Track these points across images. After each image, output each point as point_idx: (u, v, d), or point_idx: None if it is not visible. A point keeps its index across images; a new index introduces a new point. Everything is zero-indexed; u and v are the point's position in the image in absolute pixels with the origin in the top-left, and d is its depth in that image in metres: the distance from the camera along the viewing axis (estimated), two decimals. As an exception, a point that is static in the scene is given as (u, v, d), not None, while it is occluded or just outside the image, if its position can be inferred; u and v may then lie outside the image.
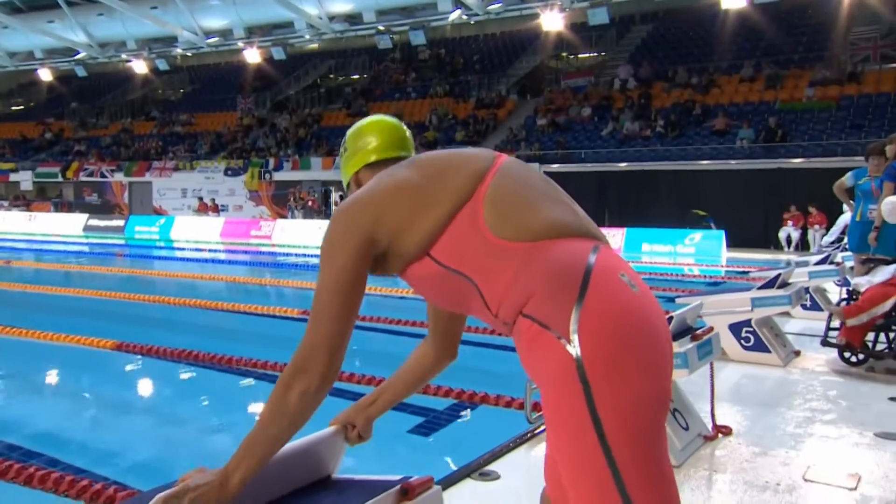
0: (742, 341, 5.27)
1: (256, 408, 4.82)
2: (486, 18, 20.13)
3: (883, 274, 5.18)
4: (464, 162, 1.55)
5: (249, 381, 5.33)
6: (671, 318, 3.40)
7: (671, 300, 9.56)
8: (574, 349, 1.27)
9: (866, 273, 5.48)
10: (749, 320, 5.24)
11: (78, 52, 25.93)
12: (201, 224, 23.80)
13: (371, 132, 1.79)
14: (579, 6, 18.57)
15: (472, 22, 20.89)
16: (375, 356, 5.99)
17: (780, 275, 5.32)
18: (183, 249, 19.15)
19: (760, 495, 2.97)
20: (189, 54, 26.45)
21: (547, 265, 1.38)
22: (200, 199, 26.45)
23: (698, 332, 3.55)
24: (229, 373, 5.47)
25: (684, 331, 3.54)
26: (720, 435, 3.66)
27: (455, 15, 19.83)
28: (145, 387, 5.73)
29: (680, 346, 3.32)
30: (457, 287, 1.49)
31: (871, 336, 5.07)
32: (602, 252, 1.41)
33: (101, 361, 6.03)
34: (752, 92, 21.81)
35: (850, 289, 5.83)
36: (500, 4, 19.32)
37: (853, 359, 5.08)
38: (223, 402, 5.06)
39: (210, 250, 18.70)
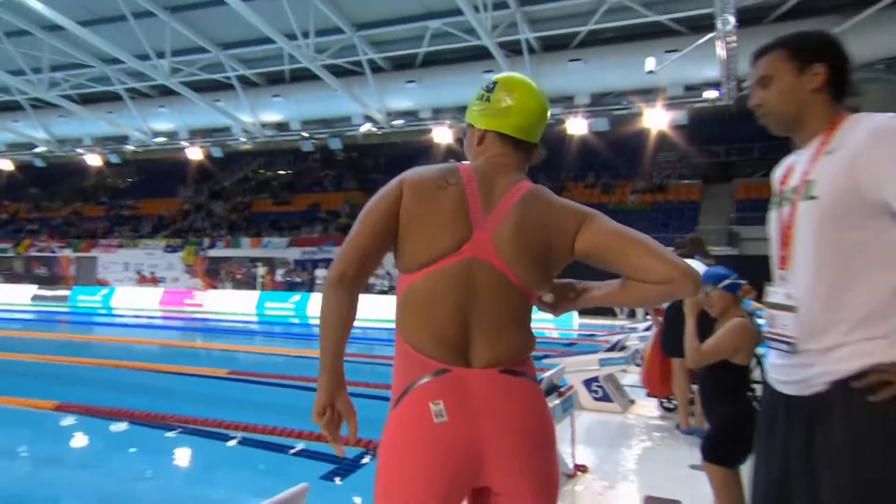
0: (592, 393, 5.38)
1: (184, 459, 4.40)
2: (391, 130, 20.53)
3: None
4: (436, 238, 1.38)
5: (173, 433, 4.86)
6: (541, 380, 3.42)
7: (538, 358, 9.77)
8: (392, 406, 1.36)
9: None
10: (598, 377, 5.37)
11: (35, 146, 24.19)
12: (141, 293, 22.19)
13: (519, 105, 1.46)
14: (463, 125, 19.24)
15: (379, 132, 21.19)
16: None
17: (619, 341, 5.52)
18: (123, 316, 17.70)
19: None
20: (139, 150, 25.31)
21: (400, 362, 1.38)
22: (140, 272, 24.79)
23: (562, 389, 3.58)
24: (160, 428, 4.98)
25: (551, 389, 3.57)
26: (579, 473, 3.66)
27: (366, 127, 20.16)
28: (80, 443, 5.10)
29: (548, 402, 3.33)
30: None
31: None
32: (442, 379, 1.31)
33: (40, 421, 5.35)
34: (593, 195, 23.20)
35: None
36: (402, 121, 19.84)
37: (670, 405, 5.28)
38: (153, 455, 4.57)
39: (148, 317, 17.39)
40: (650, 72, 12.59)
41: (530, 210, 1.39)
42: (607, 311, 18.43)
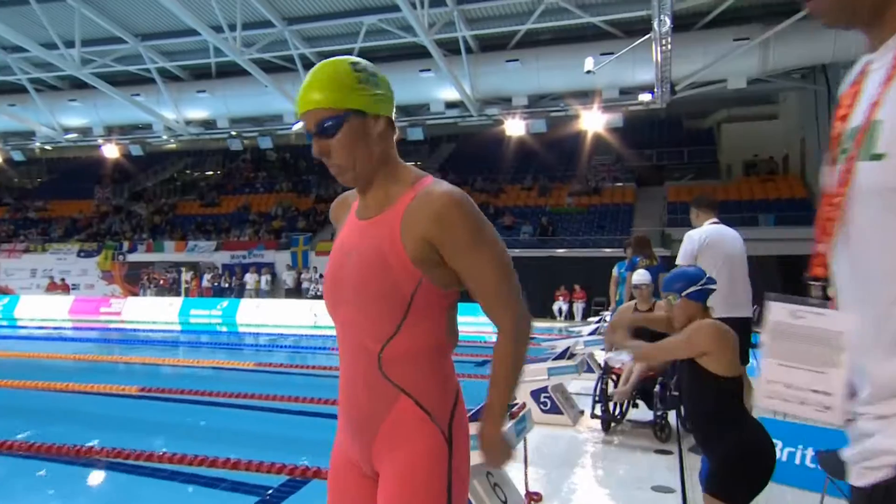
0: (541, 405, 5.13)
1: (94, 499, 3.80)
2: (325, 131, 19.85)
3: (624, 356, 4.78)
4: None
5: (80, 467, 4.24)
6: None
7: (479, 364, 9.48)
8: (448, 437, 1.37)
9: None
10: (546, 387, 5.12)
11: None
12: (49, 302, 20.47)
13: (388, 88, 1.39)
14: (400, 125, 18.85)
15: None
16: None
17: (568, 348, 5.30)
18: (26, 328, 16.19)
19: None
20: (48, 147, 23.42)
21: (445, 364, 1.42)
22: (51, 278, 22.92)
23: (514, 409, 3.26)
24: (63, 462, 4.33)
25: (502, 409, 3.24)
26: (532, 502, 3.36)
27: (298, 126, 19.37)
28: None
29: (500, 426, 3.00)
30: (391, 311, 1.34)
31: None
32: None
33: None
34: (530, 198, 23.33)
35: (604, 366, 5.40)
36: (335, 121, 19.22)
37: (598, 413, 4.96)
38: (56, 498, 3.94)
39: (56, 328, 15.98)
40: (588, 71, 12.64)
41: None
42: (545, 313, 18.49)
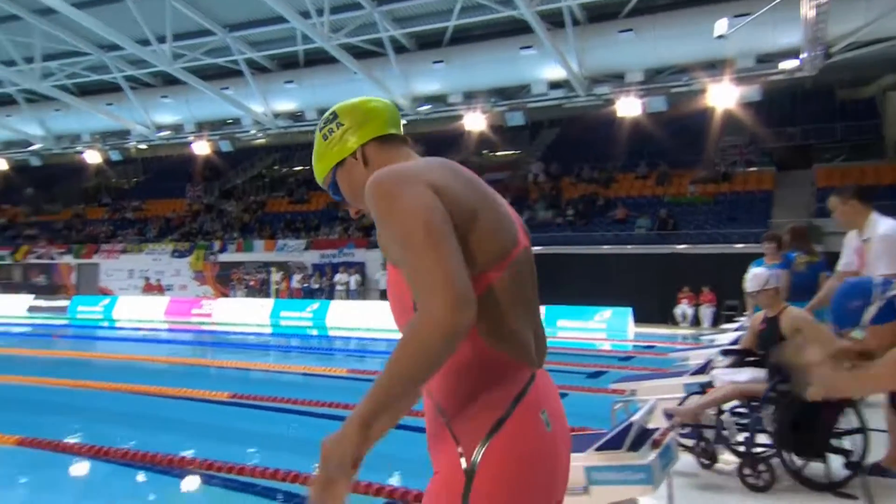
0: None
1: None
2: (417, 118, 20.02)
3: (743, 375, 4.28)
4: (504, 226, 1.35)
5: (171, 478, 4.35)
6: (630, 425, 2.77)
7: (591, 375, 9.07)
8: (469, 470, 1.21)
9: (730, 366, 4.52)
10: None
11: (32, 144, 24.42)
12: (146, 303, 22.11)
13: (376, 106, 1.52)
14: (498, 110, 18.69)
15: (404, 122, 20.76)
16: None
17: (710, 361, 4.83)
18: (124, 329, 17.54)
19: None
20: (143, 146, 25.35)
21: (483, 378, 1.27)
22: (147, 279, 24.77)
23: (657, 436, 2.92)
24: (151, 471, 4.48)
25: (642, 435, 2.91)
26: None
27: (389, 115, 19.69)
28: (41, 490, 4.63)
29: (642, 458, 2.67)
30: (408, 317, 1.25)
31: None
32: (535, 384, 1.30)
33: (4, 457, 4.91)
34: (646, 187, 22.33)
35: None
36: (428, 107, 19.29)
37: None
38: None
39: (152, 329, 17.19)
40: (720, 36, 11.75)
41: None
42: (665, 318, 17.57)
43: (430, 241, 1.17)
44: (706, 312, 17.22)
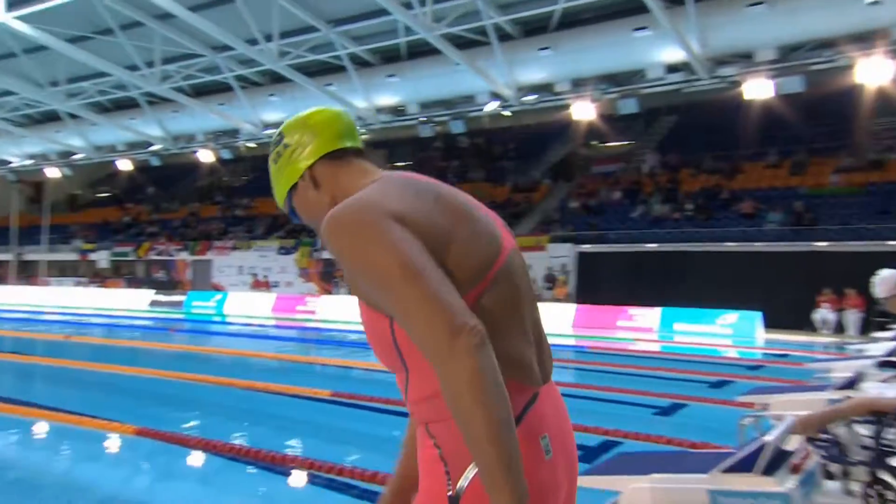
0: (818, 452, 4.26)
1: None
2: (521, 109, 19.82)
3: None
4: (482, 238, 1.27)
5: (276, 473, 4.50)
6: (761, 446, 2.51)
7: (714, 385, 8.55)
8: (454, 497, 1.17)
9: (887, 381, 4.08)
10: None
11: (152, 144, 26.52)
12: (253, 299, 23.40)
13: (323, 119, 1.44)
14: (609, 97, 18.11)
15: (508, 113, 20.63)
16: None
17: (860, 375, 4.35)
18: (234, 324, 18.63)
19: None
20: (252, 145, 26.88)
21: None
22: (255, 275, 26.21)
23: (797, 460, 2.63)
24: (256, 465, 4.66)
25: (777, 458, 2.62)
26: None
27: (492, 106, 19.60)
28: (156, 480, 4.92)
29: (779, 485, 2.41)
30: (391, 357, 1.26)
31: None
32: (535, 407, 1.24)
33: (124, 446, 5.28)
34: (778, 178, 20.90)
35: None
36: (534, 96, 19.02)
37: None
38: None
39: (260, 325, 18.15)
40: (874, 2, 10.68)
41: None
42: (803, 324, 16.32)
43: (408, 276, 1.12)
44: (852, 318, 15.85)
